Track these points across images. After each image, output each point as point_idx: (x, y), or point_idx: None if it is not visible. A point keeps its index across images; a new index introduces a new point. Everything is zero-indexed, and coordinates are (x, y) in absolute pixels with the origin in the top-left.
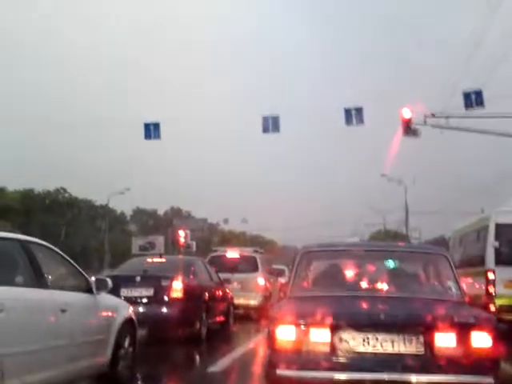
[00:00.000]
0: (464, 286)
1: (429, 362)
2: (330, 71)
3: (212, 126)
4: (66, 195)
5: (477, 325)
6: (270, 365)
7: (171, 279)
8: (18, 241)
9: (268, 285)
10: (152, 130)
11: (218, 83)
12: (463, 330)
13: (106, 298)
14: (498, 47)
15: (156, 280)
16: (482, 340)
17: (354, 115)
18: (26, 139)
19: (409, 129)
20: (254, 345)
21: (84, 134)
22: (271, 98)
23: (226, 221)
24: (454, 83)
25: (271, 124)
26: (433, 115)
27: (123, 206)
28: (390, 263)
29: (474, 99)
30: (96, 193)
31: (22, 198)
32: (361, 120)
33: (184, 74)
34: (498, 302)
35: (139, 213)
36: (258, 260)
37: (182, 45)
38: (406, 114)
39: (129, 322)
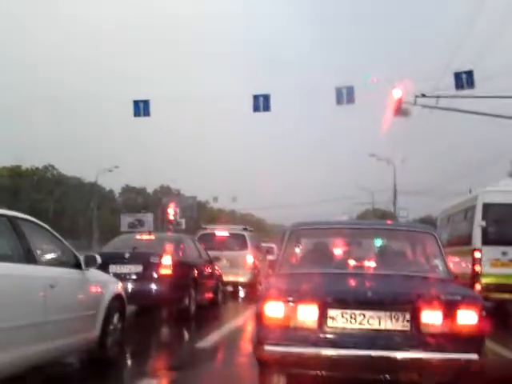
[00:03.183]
0: (451, 264)
1: (415, 338)
2: (321, 51)
3: (202, 104)
4: (55, 172)
5: (463, 303)
6: (258, 341)
7: (160, 256)
8: (6, 217)
9: (257, 262)
10: (141, 107)
11: (209, 62)
12: (449, 308)
13: (94, 273)
14: (491, 28)
15: (145, 257)
16: (467, 318)
17: (344, 94)
18: (14, 116)
19: (399, 109)
20: (243, 321)
21: (73, 110)
22: (262, 77)
23: (215, 199)
24: (446, 63)
25: (262, 103)
26: (423, 95)
27: (112, 183)
28: (378, 241)
29: (464, 79)
30: (85, 170)
31: (10, 175)
32: (351, 99)
33: (174, 53)
34: (484, 280)
35: (128, 190)
36: (247, 238)
37: (171, 23)
38: (397, 94)
39: (118, 297)
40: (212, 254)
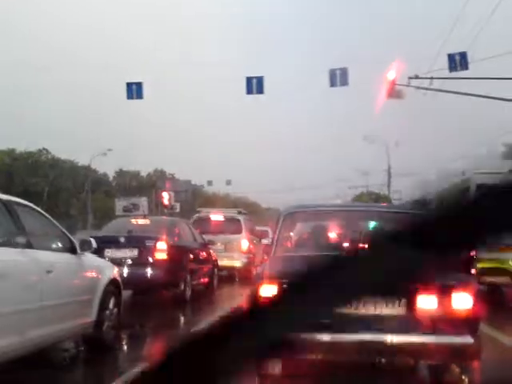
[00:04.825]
0: None
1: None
2: (315, 32)
3: (197, 86)
4: (49, 156)
5: (458, 286)
6: None
7: (155, 240)
8: (1, 201)
9: (252, 246)
10: (134, 90)
11: (203, 44)
12: (444, 292)
13: (90, 258)
14: (485, 9)
15: (140, 241)
16: (462, 301)
17: (338, 76)
18: (8, 99)
19: (393, 91)
20: (238, 305)
21: (67, 93)
22: (256, 59)
23: (209, 183)
24: (440, 44)
25: (255, 85)
26: (417, 76)
27: (106, 167)
28: (373, 223)
29: (458, 61)
30: (78, 154)
31: (4, 159)
32: (345, 81)
33: (169, 36)
34: (479, 264)
35: (122, 174)
36: (242, 221)
37: (167, 7)
38: (390, 75)
39: (114, 282)
40: (207, 237)
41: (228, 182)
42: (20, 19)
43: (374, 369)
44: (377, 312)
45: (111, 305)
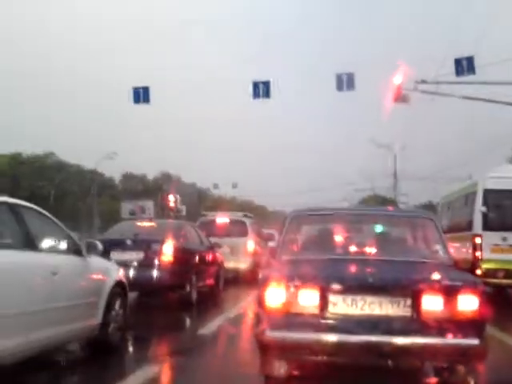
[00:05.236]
0: (451, 250)
1: (416, 324)
2: (322, 36)
3: (202, 90)
4: (55, 159)
5: (464, 288)
6: (260, 326)
7: (161, 243)
8: (7, 204)
9: (258, 249)
10: (141, 94)
11: (208, 47)
12: (450, 293)
13: (96, 260)
14: (491, 14)
15: (146, 244)
16: (468, 303)
17: (345, 81)
18: (14, 103)
19: (399, 95)
20: (244, 307)
21: (73, 97)
22: (263, 63)
23: (215, 186)
24: (446, 49)
25: (262, 90)
26: (423, 81)
27: (112, 170)
28: (379, 227)
29: (465, 66)
30: (84, 157)
31: (10, 162)
32: (352, 85)
33: (174, 37)
34: (485, 266)
35: (128, 177)
36: (248, 224)
37: (171, 9)
38: (397, 80)
39: (119, 284)
40: (213, 240)
41: (234, 185)
42: (21, 20)
43: (380, 370)
44: (382, 313)
45: (117, 307)
